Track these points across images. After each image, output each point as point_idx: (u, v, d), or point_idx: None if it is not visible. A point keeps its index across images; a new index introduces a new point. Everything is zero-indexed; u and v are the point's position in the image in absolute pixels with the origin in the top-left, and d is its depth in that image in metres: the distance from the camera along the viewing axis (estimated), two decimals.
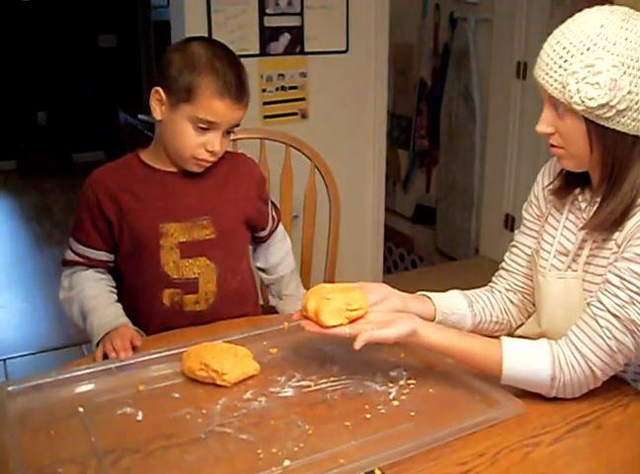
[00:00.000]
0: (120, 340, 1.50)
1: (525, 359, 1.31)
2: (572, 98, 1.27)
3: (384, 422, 1.26)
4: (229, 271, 1.75)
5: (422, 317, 1.43)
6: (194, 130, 1.60)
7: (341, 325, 1.32)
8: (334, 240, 2.32)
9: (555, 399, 1.32)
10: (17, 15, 6.85)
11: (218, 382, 1.37)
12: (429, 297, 1.54)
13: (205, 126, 1.60)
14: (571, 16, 1.33)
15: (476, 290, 1.63)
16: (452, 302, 1.55)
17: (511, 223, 4.18)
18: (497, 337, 1.37)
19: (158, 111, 1.64)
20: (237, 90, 1.60)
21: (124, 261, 1.71)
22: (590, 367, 1.29)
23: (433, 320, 1.50)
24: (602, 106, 1.26)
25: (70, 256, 1.71)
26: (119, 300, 1.70)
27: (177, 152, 1.64)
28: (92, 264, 1.70)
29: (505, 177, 4.23)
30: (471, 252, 4.52)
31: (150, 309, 1.70)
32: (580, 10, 1.33)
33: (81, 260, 1.69)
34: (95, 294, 1.66)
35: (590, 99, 1.25)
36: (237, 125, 1.66)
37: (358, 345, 1.28)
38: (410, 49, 4.91)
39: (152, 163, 1.70)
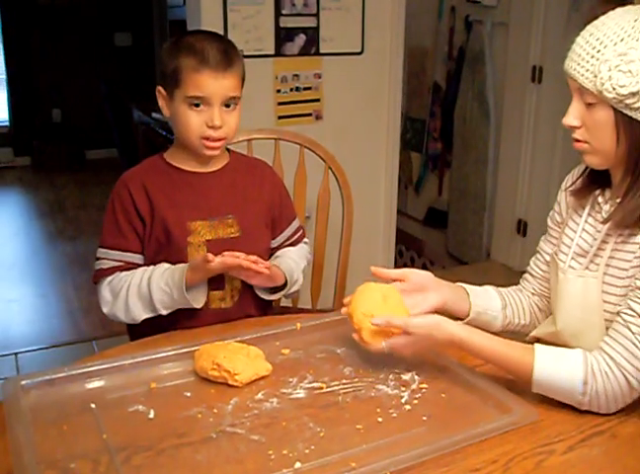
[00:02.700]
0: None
1: (557, 363, 1.29)
2: (603, 85, 1.27)
3: (396, 426, 1.26)
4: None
5: (456, 313, 1.49)
6: (191, 111, 1.65)
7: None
8: (346, 241, 2.32)
9: (570, 407, 1.31)
10: (34, 13, 6.88)
11: (230, 382, 1.37)
12: (466, 292, 1.56)
13: (199, 104, 1.64)
14: (596, 17, 1.34)
15: (510, 290, 1.65)
16: (487, 302, 1.57)
17: (523, 228, 4.16)
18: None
19: (165, 107, 1.71)
20: (216, 60, 1.63)
21: (150, 261, 1.71)
22: (624, 375, 1.26)
23: (466, 317, 1.52)
24: (634, 94, 1.26)
25: (107, 264, 1.70)
26: None
27: (187, 139, 1.69)
28: (130, 267, 1.70)
29: (518, 181, 4.21)
30: (482, 256, 4.51)
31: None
32: (599, 15, 1.34)
33: (120, 264, 1.70)
34: (144, 271, 1.68)
35: (621, 86, 1.26)
36: (234, 98, 1.68)
37: (384, 343, 1.33)
38: (425, 52, 4.90)
39: (176, 163, 1.75)
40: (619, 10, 1.32)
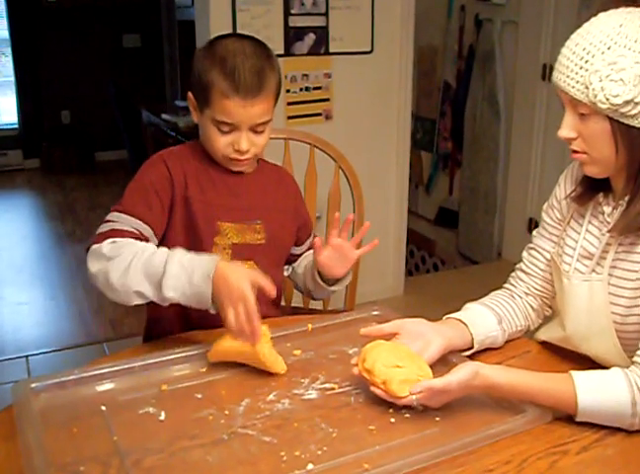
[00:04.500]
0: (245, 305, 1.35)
1: (601, 389, 1.23)
2: (596, 96, 1.25)
3: (409, 426, 1.25)
4: (270, 277, 1.74)
5: (460, 347, 1.44)
6: (218, 132, 1.58)
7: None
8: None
9: None
10: (42, 15, 6.90)
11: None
12: (464, 323, 1.49)
13: (226, 129, 1.57)
14: (587, 20, 1.31)
15: (498, 298, 1.59)
16: (485, 325, 1.51)
17: (534, 227, 4.12)
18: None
19: (194, 114, 1.65)
20: (248, 86, 1.53)
21: None
22: None
23: (470, 348, 1.48)
24: (628, 103, 1.24)
25: (119, 226, 1.51)
26: None
27: (213, 154, 1.64)
28: (142, 238, 1.52)
29: (529, 180, 4.20)
30: (494, 256, 4.50)
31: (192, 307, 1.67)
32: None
33: (135, 232, 1.52)
34: (156, 248, 1.47)
35: (615, 96, 1.23)
36: (265, 122, 1.60)
37: (415, 395, 1.24)
38: (435, 51, 4.89)
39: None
40: (602, 15, 1.29)
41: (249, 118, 1.56)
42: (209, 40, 1.63)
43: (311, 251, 1.86)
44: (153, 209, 1.57)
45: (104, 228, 1.52)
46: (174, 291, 1.40)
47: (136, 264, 1.42)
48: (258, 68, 1.55)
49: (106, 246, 1.46)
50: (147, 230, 1.55)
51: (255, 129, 1.59)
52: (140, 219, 1.54)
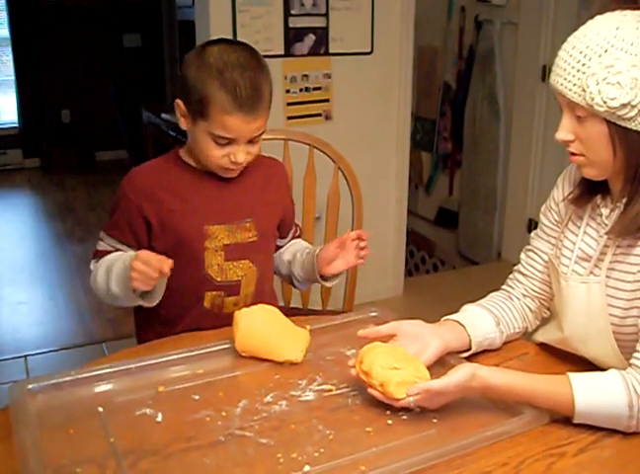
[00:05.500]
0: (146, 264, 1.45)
1: (598, 391, 1.23)
2: (593, 99, 1.25)
3: (406, 428, 1.25)
4: (266, 273, 1.77)
5: (458, 349, 1.44)
6: (214, 144, 1.57)
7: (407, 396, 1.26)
8: None
9: None
10: (42, 15, 6.89)
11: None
12: (462, 325, 1.48)
13: (224, 142, 1.56)
14: (584, 22, 1.31)
15: (496, 299, 1.59)
16: (483, 327, 1.51)
17: (534, 228, 4.11)
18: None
19: (183, 121, 1.63)
20: (249, 102, 1.53)
21: None
22: None
23: (468, 350, 1.48)
24: (625, 105, 1.23)
25: (102, 247, 1.68)
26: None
27: (204, 163, 1.63)
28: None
29: (528, 181, 4.20)
30: (493, 256, 4.49)
31: (189, 311, 1.68)
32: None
33: (113, 250, 1.66)
34: (119, 254, 1.64)
35: (612, 99, 1.23)
36: (261, 134, 1.61)
37: (413, 397, 1.23)
38: (435, 52, 4.89)
39: (191, 162, 1.68)
40: (599, 18, 1.29)
41: (249, 132, 1.57)
42: (199, 47, 1.60)
43: (295, 240, 1.90)
44: (124, 232, 1.66)
45: (96, 247, 1.70)
46: (117, 285, 1.57)
47: (101, 269, 1.62)
48: (256, 82, 1.55)
49: (92, 264, 1.68)
50: (124, 248, 1.66)
51: (252, 140, 1.59)
52: (115, 239, 1.67)
